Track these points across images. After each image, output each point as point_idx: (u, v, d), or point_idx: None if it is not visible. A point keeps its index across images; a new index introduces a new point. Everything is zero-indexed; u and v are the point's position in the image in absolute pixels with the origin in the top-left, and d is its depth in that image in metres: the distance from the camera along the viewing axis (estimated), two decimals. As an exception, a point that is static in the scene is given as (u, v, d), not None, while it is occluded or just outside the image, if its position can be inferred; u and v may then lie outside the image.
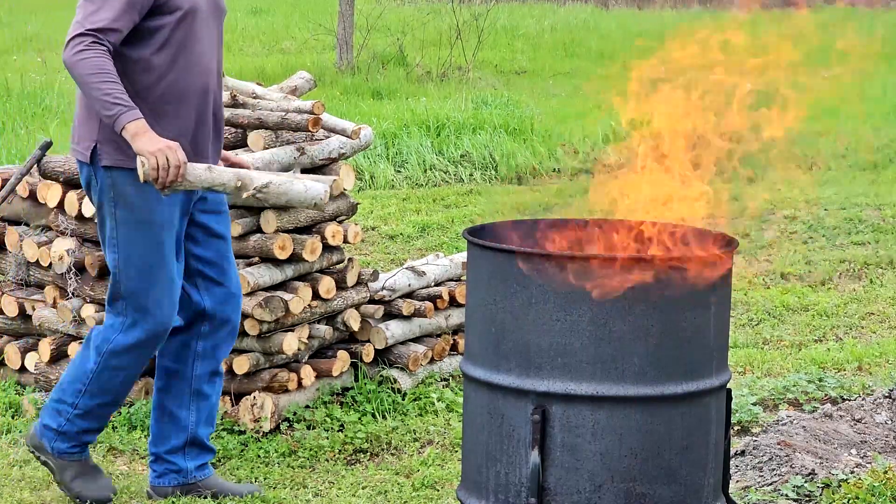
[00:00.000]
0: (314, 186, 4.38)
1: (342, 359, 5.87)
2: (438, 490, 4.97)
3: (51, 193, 5.77)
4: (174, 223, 4.54)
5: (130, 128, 4.25)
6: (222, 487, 4.83)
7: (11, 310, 6.00)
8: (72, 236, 5.75)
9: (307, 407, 5.68)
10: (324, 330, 5.77)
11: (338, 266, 5.93)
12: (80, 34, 4.30)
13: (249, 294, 5.47)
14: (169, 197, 4.42)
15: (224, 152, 4.79)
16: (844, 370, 6.51)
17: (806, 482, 4.74)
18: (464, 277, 6.45)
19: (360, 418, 5.65)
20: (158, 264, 4.52)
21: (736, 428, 5.50)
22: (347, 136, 5.82)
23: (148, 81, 4.43)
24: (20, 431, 5.48)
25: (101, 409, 4.70)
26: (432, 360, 6.19)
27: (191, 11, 4.45)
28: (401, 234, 9.34)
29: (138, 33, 4.40)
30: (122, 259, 4.52)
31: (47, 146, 5.74)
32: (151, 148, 4.23)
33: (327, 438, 5.42)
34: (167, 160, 4.23)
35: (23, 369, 5.97)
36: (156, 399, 4.80)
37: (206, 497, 4.78)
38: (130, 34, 4.38)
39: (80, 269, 5.72)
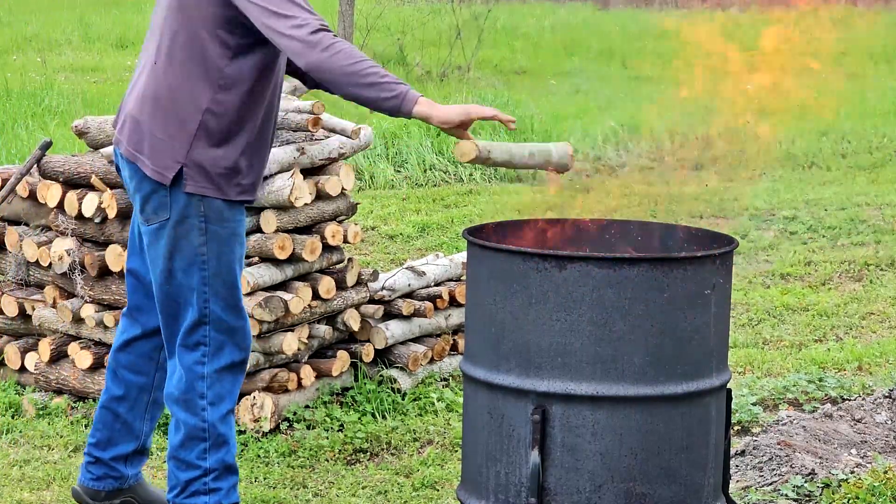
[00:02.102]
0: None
1: (342, 359, 5.87)
2: (438, 490, 4.97)
3: (51, 193, 5.77)
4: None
5: (423, 103, 3.95)
6: (147, 493, 4.65)
7: (11, 310, 6.00)
8: (72, 236, 5.75)
9: (307, 407, 5.68)
10: (324, 330, 5.77)
11: (338, 266, 5.93)
12: (318, 30, 3.93)
13: (249, 294, 5.48)
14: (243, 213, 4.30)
15: None
16: (844, 370, 6.51)
17: (806, 482, 4.74)
18: (464, 277, 6.45)
19: (360, 418, 5.65)
20: (239, 278, 4.32)
21: (736, 428, 5.50)
22: (347, 136, 5.82)
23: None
24: (20, 431, 5.48)
25: (230, 456, 4.36)
26: (432, 360, 6.19)
27: None
28: (401, 234, 9.34)
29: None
30: (211, 275, 4.21)
31: (47, 146, 5.75)
32: (454, 114, 3.96)
33: (327, 438, 5.42)
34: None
35: (23, 369, 5.97)
36: (109, 404, 4.52)
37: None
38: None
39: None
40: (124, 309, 4.55)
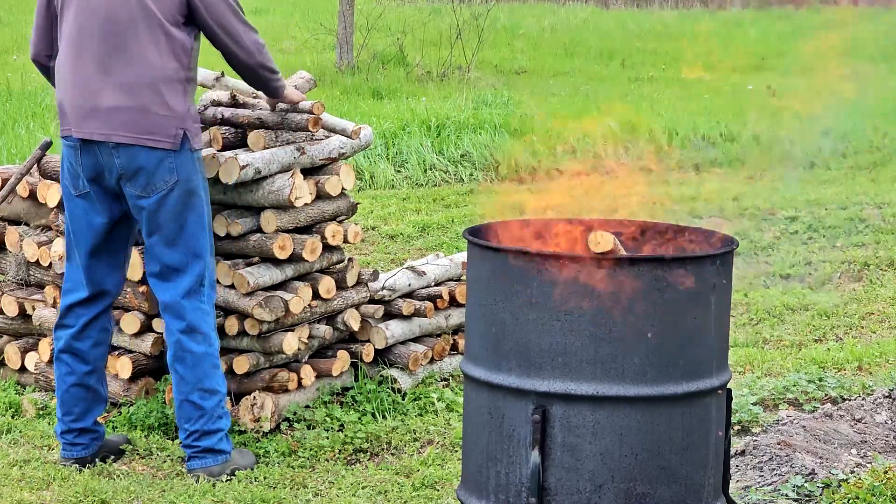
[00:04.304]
0: None
1: (342, 359, 5.87)
2: (438, 490, 4.97)
3: (51, 193, 5.77)
4: None
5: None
6: (109, 440, 5.27)
7: (11, 310, 6.00)
8: (72, 236, 5.75)
9: (307, 407, 5.68)
10: (324, 330, 5.77)
11: (338, 266, 5.93)
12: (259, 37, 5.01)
13: (249, 294, 5.48)
14: None
15: None
16: (844, 370, 6.51)
17: (806, 482, 4.74)
18: (464, 277, 6.45)
19: (360, 418, 5.65)
20: None
21: (736, 428, 5.50)
22: (347, 136, 5.82)
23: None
24: (20, 431, 5.48)
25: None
26: (432, 360, 6.19)
27: None
28: (401, 234, 9.34)
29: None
30: (207, 226, 4.95)
31: (47, 146, 5.74)
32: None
33: (327, 438, 5.42)
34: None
35: (23, 369, 5.97)
36: (80, 381, 5.09)
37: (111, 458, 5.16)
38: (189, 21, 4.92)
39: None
40: (72, 300, 5.06)
